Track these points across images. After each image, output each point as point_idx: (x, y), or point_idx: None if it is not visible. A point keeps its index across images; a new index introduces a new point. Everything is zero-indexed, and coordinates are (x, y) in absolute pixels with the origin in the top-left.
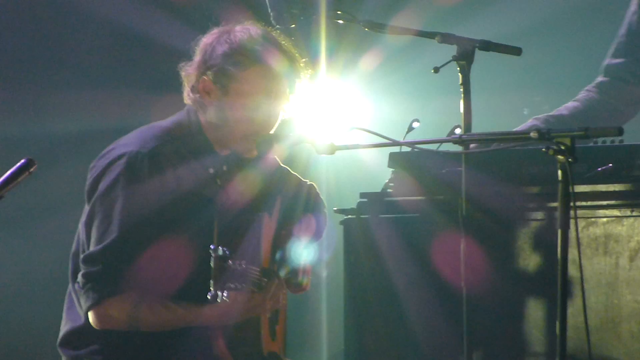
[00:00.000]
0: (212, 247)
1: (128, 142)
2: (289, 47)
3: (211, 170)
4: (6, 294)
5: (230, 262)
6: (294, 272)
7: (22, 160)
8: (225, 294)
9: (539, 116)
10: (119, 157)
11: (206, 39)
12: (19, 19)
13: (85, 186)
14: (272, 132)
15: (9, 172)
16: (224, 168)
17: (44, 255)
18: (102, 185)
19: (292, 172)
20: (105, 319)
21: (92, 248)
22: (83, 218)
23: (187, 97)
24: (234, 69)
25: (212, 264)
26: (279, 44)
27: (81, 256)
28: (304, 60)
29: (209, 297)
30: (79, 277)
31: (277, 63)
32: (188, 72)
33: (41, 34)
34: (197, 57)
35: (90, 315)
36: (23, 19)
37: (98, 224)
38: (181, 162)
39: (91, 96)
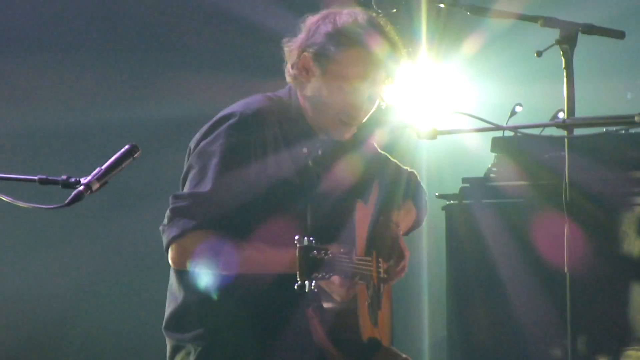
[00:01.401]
0: (296, 237)
1: (232, 107)
2: (392, 34)
3: (305, 150)
4: (110, 279)
5: (315, 252)
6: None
7: (126, 146)
8: (312, 284)
9: None
10: (223, 117)
11: (312, 19)
12: (126, 3)
13: (188, 149)
14: (372, 117)
15: (113, 158)
16: (319, 152)
17: (148, 240)
18: (202, 143)
19: (391, 158)
20: (183, 253)
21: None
22: (182, 175)
23: (287, 73)
24: (334, 49)
25: (297, 254)
26: (382, 30)
27: (170, 196)
28: (405, 48)
29: (295, 287)
30: (167, 213)
31: (378, 48)
32: (290, 48)
33: (148, 18)
34: (301, 35)
35: (170, 250)
36: (130, 4)
37: (193, 176)
38: (279, 132)
39: (195, 81)
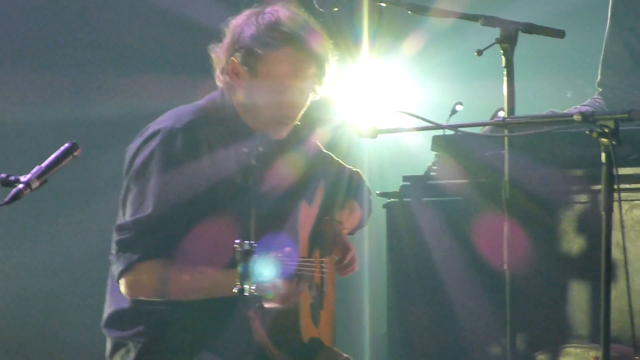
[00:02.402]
0: (236, 242)
1: (163, 120)
2: (319, 30)
3: (245, 150)
4: (50, 278)
5: (255, 255)
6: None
7: (66, 144)
8: (253, 287)
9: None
10: (154, 133)
11: (235, 21)
12: (64, 3)
13: (124, 165)
14: (313, 116)
15: (53, 156)
16: (259, 149)
17: (90, 238)
18: (137, 162)
19: (334, 157)
20: (135, 285)
21: (125, 218)
22: (120, 196)
23: (217, 79)
24: (261, 50)
25: (237, 258)
26: (308, 26)
27: (114, 226)
28: (335, 45)
29: (235, 290)
30: (113, 246)
31: (304, 45)
32: (217, 54)
33: (88, 17)
34: (227, 39)
35: (122, 282)
36: (72, 3)
37: (133, 199)
38: (215, 139)
39: (135, 80)
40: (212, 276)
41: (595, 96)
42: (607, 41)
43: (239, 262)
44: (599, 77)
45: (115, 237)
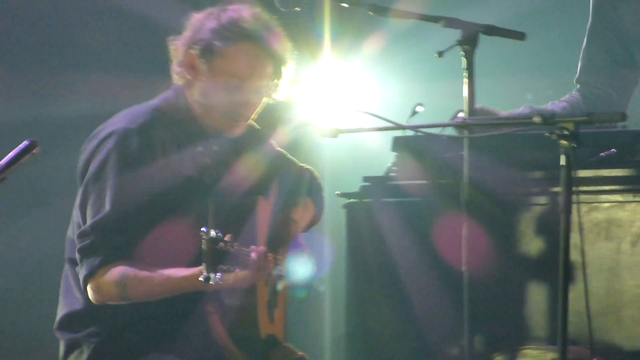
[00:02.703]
0: (203, 229)
1: (116, 121)
2: (278, 30)
3: (200, 149)
4: (5, 278)
5: (222, 243)
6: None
7: (25, 142)
8: (218, 276)
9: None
10: (108, 135)
11: (197, 16)
12: (19, 2)
13: (77, 168)
14: (273, 115)
15: (11, 154)
16: (214, 147)
17: (45, 238)
18: (93, 165)
19: (288, 155)
20: (98, 291)
21: (86, 224)
22: (77, 201)
23: (174, 72)
24: (219, 43)
25: (203, 246)
26: (269, 26)
27: (76, 233)
28: (295, 46)
29: (201, 279)
30: (76, 254)
31: (263, 43)
32: (176, 46)
33: (44, 16)
34: (187, 33)
35: (88, 289)
36: (26, 1)
37: (92, 203)
38: (170, 138)
39: (95, 79)
40: (170, 277)
41: (573, 92)
42: (588, 38)
43: (204, 250)
44: (577, 73)
45: (77, 244)
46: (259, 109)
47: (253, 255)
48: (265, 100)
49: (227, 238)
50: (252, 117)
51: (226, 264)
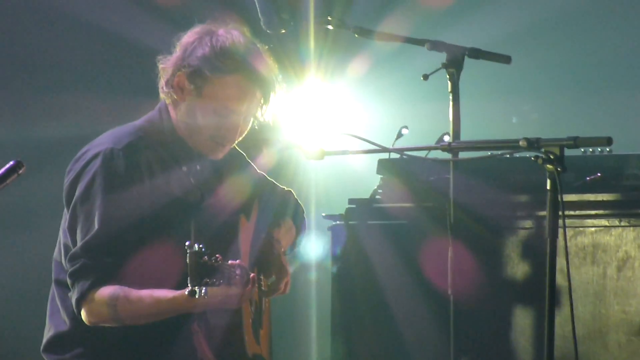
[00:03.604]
0: (187, 243)
1: (102, 142)
2: (268, 56)
3: (184, 169)
4: None
5: (206, 257)
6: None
7: (11, 162)
8: (203, 290)
9: None
10: (94, 156)
11: (188, 37)
12: (7, 21)
13: (63, 190)
14: (259, 137)
15: None
16: (197, 167)
17: (30, 259)
18: (80, 187)
19: (267, 177)
20: (91, 313)
21: (75, 247)
22: (64, 223)
23: (161, 90)
24: (210, 73)
25: (187, 260)
26: (259, 53)
27: (66, 256)
28: (282, 71)
29: (186, 293)
30: (67, 278)
31: (254, 73)
32: (165, 66)
33: (30, 37)
34: (177, 53)
35: (82, 312)
36: (11, 22)
37: (81, 226)
38: (155, 158)
39: (80, 100)
40: (160, 298)
41: None
42: None
43: (189, 264)
44: None
45: (68, 268)
46: (244, 133)
47: (237, 271)
48: (250, 123)
49: (216, 256)
50: (235, 140)
51: (211, 278)
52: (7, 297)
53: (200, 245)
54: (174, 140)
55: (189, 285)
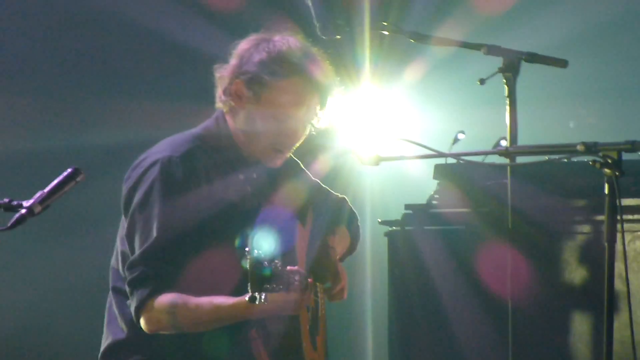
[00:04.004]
0: (247, 248)
1: (160, 150)
2: (325, 62)
3: (241, 177)
4: (49, 305)
5: (266, 263)
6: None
7: (69, 169)
8: (263, 296)
9: None
10: (152, 164)
11: (244, 45)
12: (66, 30)
13: (122, 197)
14: (316, 143)
15: (56, 181)
16: (254, 175)
17: (89, 266)
18: (138, 195)
19: (323, 185)
20: (151, 321)
21: (134, 255)
22: (122, 231)
23: (219, 99)
24: (269, 77)
25: (247, 266)
26: (316, 58)
27: (125, 266)
28: (339, 75)
29: (246, 299)
30: (126, 287)
31: (312, 77)
32: (222, 75)
33: (88, 44)
34: (233, 61)
35: (141, 320)
36: (70, 31)
37: (140, 233)
38: (213, 166)
39: (138, 107)
40: (220, 305)
41: None
42: None
43: (249, 270)
44: None
45: (127, 276)
46: (302, 139)
47: (297, 277)
48: (308, 129)
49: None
50: (294, 147)
51: (271, 284)
52: (67, 304)
53: (260, 251)
54: (231, 147)
55: (249, 291)
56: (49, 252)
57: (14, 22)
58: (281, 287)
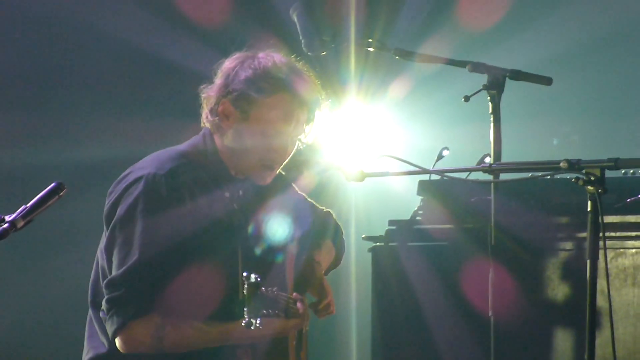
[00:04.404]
0: (244, 274)
1: (145, 165)
2: (311, 76)
3: (227, 194)
4: (30, 320)
5: (263, 288)
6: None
7: (52, 184)
8: (258, 321)
9: None
10: (137, 180)
11: (229, 63)
12: (50, 46)
13: (104, 211)
14: (300, 160)
15: (39, 196)
16: (240, 193)
17: (71, 281)
18: (120, 209)
19: (309, 199)
20: (131, 342)
21: (114, 272)
22: (102, 244)
23: (205, 119)
24: (256, 94)
25: (245, 291)
26: (302, 73)
27: (103, 282)
28: (329, 90)
29: (242, 324)
30: (103, 304)
31: (299, 92)
32: (208, 95)
33: (69, 61)
34: (219, 80)
35: (117, 340)
36: (52, 47)
37: (119, 248)
38: (198, 184)
39: (122, 122)
40: (209, 331)
41: None
42: None
43: (247, 295)
44: None
45: (105, 294)
46: (290, 155)
47: (299, 304)
48: (296, 145)
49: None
50: (284, 163)
51: (267, 309)
52: (49, 318)
53: (257, 276)
54: (217, 164)
55: (245, 316)
56: (31, 266)
57: None
58: (277, 312)
